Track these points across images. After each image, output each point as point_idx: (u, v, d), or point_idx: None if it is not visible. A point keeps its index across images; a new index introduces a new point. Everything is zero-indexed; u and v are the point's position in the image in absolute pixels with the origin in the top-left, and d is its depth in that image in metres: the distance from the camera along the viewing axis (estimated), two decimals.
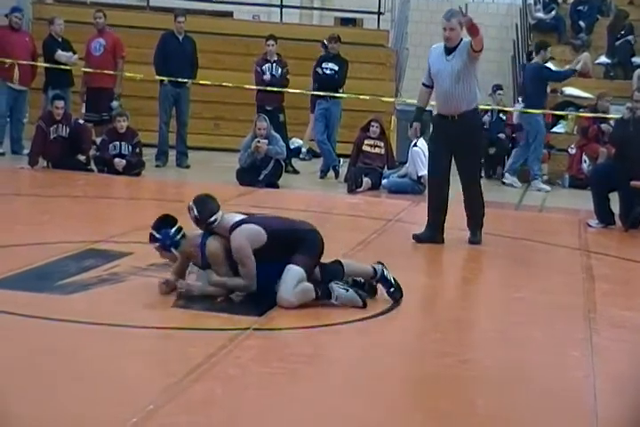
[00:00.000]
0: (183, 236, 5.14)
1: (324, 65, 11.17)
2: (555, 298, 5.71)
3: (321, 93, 11.06)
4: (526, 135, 11.33)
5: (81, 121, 10.46)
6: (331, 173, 11.02)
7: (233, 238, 4.99)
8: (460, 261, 7.06)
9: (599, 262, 6.91)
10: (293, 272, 4.96)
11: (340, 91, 11.15)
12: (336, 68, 11.10)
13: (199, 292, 5.09)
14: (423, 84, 7.36)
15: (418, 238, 7.12)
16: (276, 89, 11.13)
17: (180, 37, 11.14)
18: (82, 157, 10.08)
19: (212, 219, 5.07)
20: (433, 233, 7.17)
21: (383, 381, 4.07)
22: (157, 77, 11.12)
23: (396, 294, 5.21)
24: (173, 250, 5.14)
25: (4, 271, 5.32)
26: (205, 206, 5.12)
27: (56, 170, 9.91)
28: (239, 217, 5.17)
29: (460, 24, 6.80)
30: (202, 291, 5.10)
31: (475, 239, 7.24)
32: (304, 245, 5.06)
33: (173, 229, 5.11)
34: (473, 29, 6.69)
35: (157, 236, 5.12)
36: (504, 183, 11.38)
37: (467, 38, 6.91)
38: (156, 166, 10.93)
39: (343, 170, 10.82)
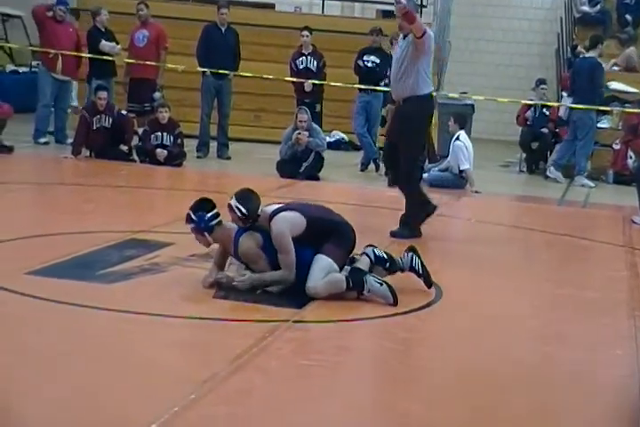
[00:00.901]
0: (219, 223, 5.10)
1: (365, 58, 11.12)
2: (598, 295, 5.63)
3: (362, 87, 11.01)
4: (575, 130, 11.14)
5: (124, 112, 10.53)
6: (371, 166, 10.98)
7: (274, 226, 4.97)
8: (502, 256, 6.98)
9: None
10: (322, 262, 4.95)
11: (382, 84, 11.09)
12: (378, 60, 11.04)
13: (249, 285, 5.05)
14: None
15: (394, 235, 6.86)
16: (316, 81, 11.10)
17: (223, 29, 11.16)
18: (124, 148, 10.17)
19: (256, 217, 5.04)
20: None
21: (422, 374, 4.05)
22: (199, 69, 11.16)
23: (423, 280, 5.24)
24: (207, 234, 5.11)
25: (47, 260, 5.38)
26: (251, 204, 5.04)
27: (99, 160, 9.99)
28: (277, 205, 5.15)
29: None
30: (252, 284, 5.06)
31: (396, 231, 6.89)
32: (337, 236, 5.05)
33: (210, 214, 5.07)
34: (407, 17, 6.55)
35: (193, 217, 5.09)
36: (547, 177, 11.25)
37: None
38: (197, 157, 10.98)
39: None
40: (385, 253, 5.27)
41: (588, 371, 4.23)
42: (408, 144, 6.95)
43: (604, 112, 12.38)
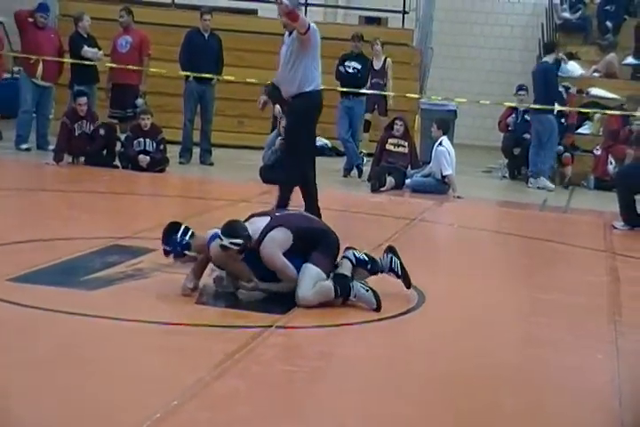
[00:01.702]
0: (192, 235, 5.08)
1: (346, 63, 11.16)
2: (580, 300, 5.67)
3: (344, 89, 11.05)
4: (538, 135, 11.25)
5: (108, 121, 10.52)
6: (354, 172, 11.00)
7: (263, 251, 4.96)
8: (484, 262, 7.01)
9: (624, 265, 6.86)
10: (311, 271, 4.96)
11: (363, 89, 11.13)
12: (359, 66, 11.09)
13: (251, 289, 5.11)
14: None
15: None
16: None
17: (206, 35, 11.17)
18: (105, 153, 10.15)
19: (250, 238, 4.96)
20: None
21: (406, 380, 4.06)
22: (182, 73, 11.16)
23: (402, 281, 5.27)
24: (187, 253, 5.11)
25: (29, 266, 5.35)
26: (240, 231, 4.95)
27: (80, 166, 9.96)
28: (262, 221, 5.09)
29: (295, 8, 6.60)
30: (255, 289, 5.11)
31: None
32: (323, 244, 5.07)
33: (179, 234, 5.05)
34: (290, 17, 6.54)
35: (168, 248, 5.09)
36: (532, 187, 11.21)
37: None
38: (180, 163, 10.97)
39: (366, 169, 10.80)
40: (365, 254, 5.29)
41: (571, 375, 4.25)
42: (295, 139, 6.91)
43: (585, 118, 12.47)
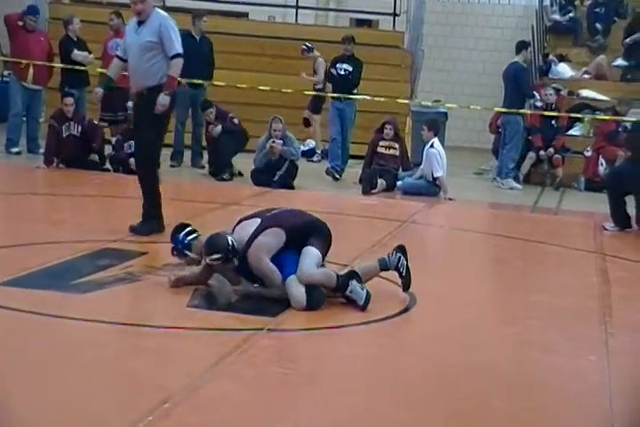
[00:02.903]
0: (195, 238, 5.28)
1: (338, 65, 11.17)
2: (570, 301, 5.68)
3: (335, 95, 11.06)
4: (505, 136, 11.31)
5: (96, 121, 10.48)
6: (346, 175, 10.98)
7: (250, 258, 5.01)
8: (475, 263, 7.03)
9: (615, 266, 6.88)
10: (312, 252, 5.03)
11: (355, 91, 11.15)
12: (350, 68, 11.10)
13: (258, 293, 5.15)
14: (116, 56, 7.03)
15: (134, 230, 6.55)
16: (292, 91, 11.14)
17: (198, 38, 11.17)
18: (94, 156, 10.10)
19: (233, 247, 5.01)
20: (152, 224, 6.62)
21: (398, 382, 4.06)
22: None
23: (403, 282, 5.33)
24: (188, 253, 5.20)
25: (19, 270, 5.34)
26: (217, 245, 5.00)
27: (71, 169, 9.93)
28: (252, 224, 5.12)
29: None
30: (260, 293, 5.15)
31: (137, 228, 6.54)
32: (315, 235, 5.13)
33: (182, 233, 5.31)
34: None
35: (172, 244, 5.34)
36: (504, 188, 11.24)
37: (161, 12, 6.74)
38: (171, 166, 10.95)
39: (357, 171, 10.80)
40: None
41: (563, 376, 4.26)
42: (150, 130, 6.65)
43: (576, 119, 12.51)
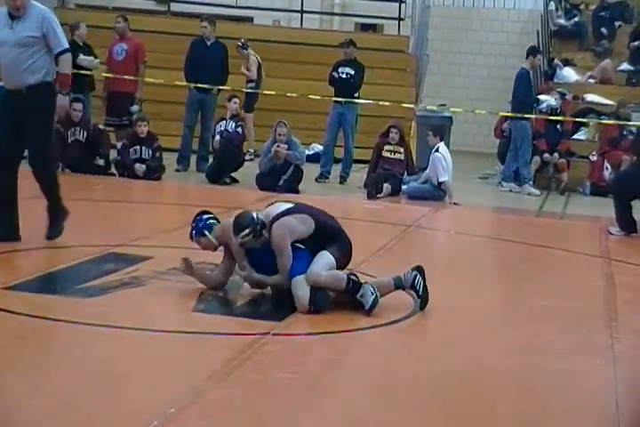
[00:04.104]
0: (216, 223, 5.27)
1: (340, 69, 11.17)
2: (576, 306, 5.67)
3: (338, 99, 11.06)
4: (514, 140, 11.31)
5: (101, 126, 10.50)
6: (351, 179, 10.97)
7: (273, 230, 5.02)
8: (481, 268, 7.02)
9: (620, 270, 6.86)
10: (327, 257, 5.01)
11: (356, 95, 11.13)
12: (352, 72, 11.09)
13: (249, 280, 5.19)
14: None
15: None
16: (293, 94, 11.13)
17: (209, 43, 11.18)
18: (100, 161, 10.13)
19: (259, 219, 5.04)
20: (8, 231, 6.21)
21: (404, 386, 4.05)
22: (177, 83, 11.19)
23: (419, 301, 5.20)
24: (207, 234, 5.20)
25: (25, 274, 5.35)
26: (242, 222, 5.04)
27: (75, 174, 9.94)
28: (285, 205, 5.18)
29: None
30: (252, 281, 5.18)
31: (51, 233, 6.28)
32: (338, 244, 5.12)
33: (205, 216, 5.30)
34: None
35: (192, 226, 5.30)
36: (511, 191, 11.24)
37: (40, 5, 6.19)
38: (177, 171, 10.96)
39: (362, 175, 10.80)
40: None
41: (570, 381, 4.24)
42: (36, 131, 6.21)
43: (581, 124, 12.51)
